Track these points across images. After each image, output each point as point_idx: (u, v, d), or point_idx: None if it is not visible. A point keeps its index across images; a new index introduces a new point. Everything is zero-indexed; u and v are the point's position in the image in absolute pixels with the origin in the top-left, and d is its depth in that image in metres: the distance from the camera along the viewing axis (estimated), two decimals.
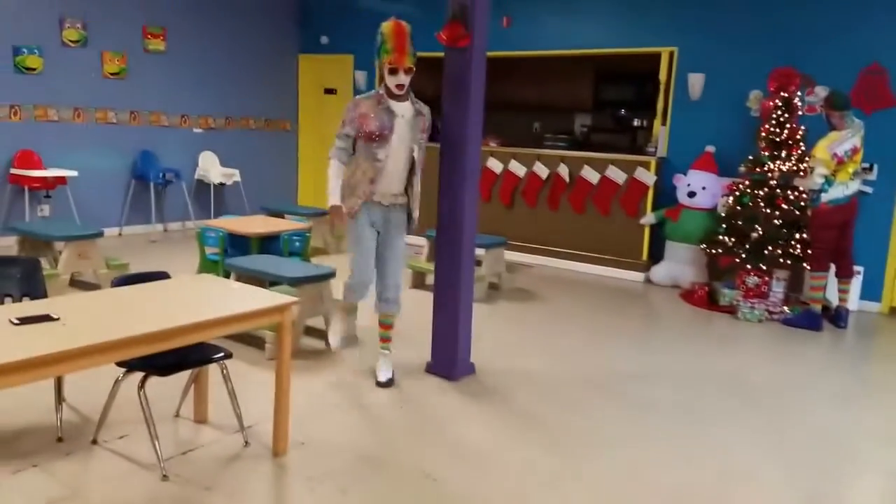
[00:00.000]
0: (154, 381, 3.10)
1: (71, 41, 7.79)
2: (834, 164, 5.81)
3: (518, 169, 8.27)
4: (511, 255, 7.80)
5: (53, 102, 7.77)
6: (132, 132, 8.50)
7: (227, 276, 5.15)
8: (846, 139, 5.84)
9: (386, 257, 4.25)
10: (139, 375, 3.08)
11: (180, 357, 3.14)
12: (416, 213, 4.23)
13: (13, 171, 7.39)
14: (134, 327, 2.63)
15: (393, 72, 3.92)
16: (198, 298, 3.17)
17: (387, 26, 3.92)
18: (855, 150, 5.89)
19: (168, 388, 3.54)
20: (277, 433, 3.29)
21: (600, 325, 5.90)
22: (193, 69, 9.05)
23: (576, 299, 6.74)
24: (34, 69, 7.55)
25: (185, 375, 3.48)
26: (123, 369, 3.10)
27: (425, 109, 4.16)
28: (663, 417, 4.06)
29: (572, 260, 8.01)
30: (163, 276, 3.41)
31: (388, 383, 4.30)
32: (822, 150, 5.83)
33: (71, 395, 3.68)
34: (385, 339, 4.42)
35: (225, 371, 3.38)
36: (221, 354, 3.27)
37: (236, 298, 3.21)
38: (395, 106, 3.99)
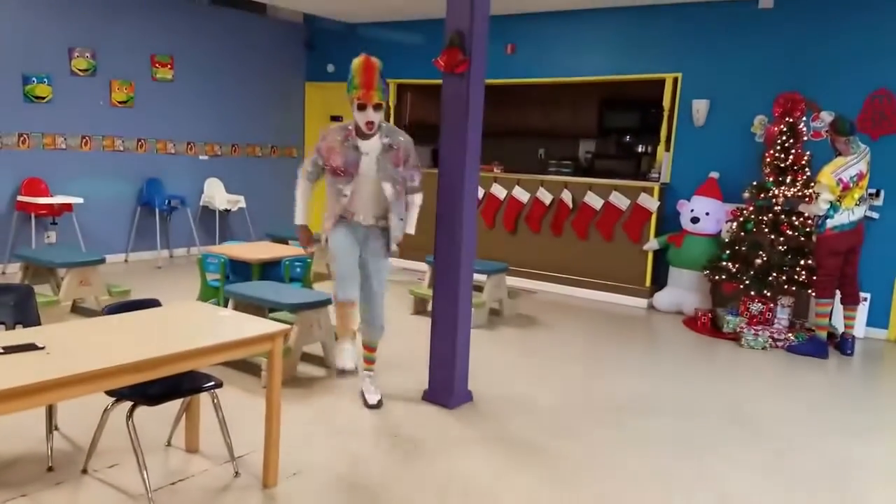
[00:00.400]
0: (146, 409, 3.07)
1: (80, 70, 7.89)
2: (839, 190, 5.75)
3: (522, 195, 8.27)
4: (514, 281, 7.77)
5: (61, 131, 7.86)
6: (139, 159, 8.58)
7: (226, 302, 5.16)
8: (852, 164, 5.79)
9: (370, 280, 4.21)
10: (129, 404, 3.06)
11: (170, 386, 3.13)
12: (394, 244, 4.18)
13: (20, 198, 7.45)
14: (120, 356, 2.61)
15: (361, 107, 3.87)
16: (187, 327, 3.15)
17: (356, 61, 3.91)
18: (861, 176, 5.82)
19: (161, 416, 3.50)
20: (268, 464, 3.25)
21: (602, 352, 5.84)
22: (200, 97, 9.15)
23: (578, 326, 6.68)
24: (43, 98, 7.64)
25: (177, 403, 3.46)
26: (113, 398, 3.09)
27: (400, 140, 4.05)
28: (664, 448, 3.98)
29: (575, 286, 7.97)
30: (153, 303, 3.40)
31: (379, 404, 4.30)
32: (827, 175, 5.77)
33: (65, 423, 3.68)
34: (370, 362, 4.43)
35: (216, 400, 3.35)
36: (212, 384, 3.24)
37: (226, 326, 3.19)
38: (363, 144, 3.96)
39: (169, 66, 8.72)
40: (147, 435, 3.53)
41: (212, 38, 9.18)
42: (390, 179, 4.01)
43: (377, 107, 3.88)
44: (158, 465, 3.39)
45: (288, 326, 3.19)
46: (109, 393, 2.98)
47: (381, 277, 4.25)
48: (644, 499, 3.36)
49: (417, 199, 4.21)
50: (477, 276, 5.81)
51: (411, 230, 4.25)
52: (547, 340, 6.13)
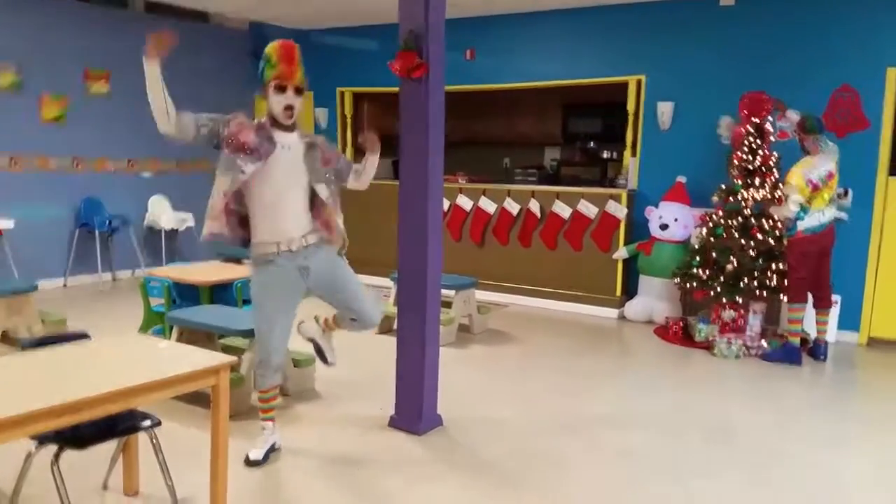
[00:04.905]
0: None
1: (4, 86, 7.33)
2: (809, 191, 5.59)
3: (488, 205, 8.01)
4: (484, 295, 7.49)
5: None
6: (75, 179, 8.04)
7: (170, 329, 4.75)
8: (821, 164, 5.64)
9: (338, 291, 3.67)
10: (55, 447, 2.66)
11: (102, 427, 2.74)
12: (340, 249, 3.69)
13: None
14: (42, 399, 2.25)
15: (280, 89, 3.29)
16: (120, 362, 2.76)
17: (271, 45, 3.35)
18: (830, 176, 5.68)
19: (97, 456, 3.10)
20: None
21: (574, 367, 5.58)
22: (140, 111, 8.43)
23: (549, 339, 6.42)
24: None
25: (113, 443, 3.06)
26: (36, 441, 2.68)
27: (316, 136, 3.61)
28: (642, 467, 3.75)
29: (546, 297, 7.72)
30: (82, 336, 3.00)
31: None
32: (796, 175, 5.60)
33: None
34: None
35: (155, 440, 2.96)
36: (149, 423, 2.86)
37: (164, 360, 2.82)
38: (279, 135, 3.37)
39: (104, 80, 8.18)
40: (82, 477, 3.19)
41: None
42: (323, 181, 3.48)
43: (298, 91, 3.31)
44: None
45: (234, 358, 2.83)
46: (33, 436, 2.58)
47: (350, 277, 3.69)
48: None
49: (361, 165, 3.74)
50: (444, 292, 5.50)
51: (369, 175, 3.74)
52: (518, 356, 5.85)
